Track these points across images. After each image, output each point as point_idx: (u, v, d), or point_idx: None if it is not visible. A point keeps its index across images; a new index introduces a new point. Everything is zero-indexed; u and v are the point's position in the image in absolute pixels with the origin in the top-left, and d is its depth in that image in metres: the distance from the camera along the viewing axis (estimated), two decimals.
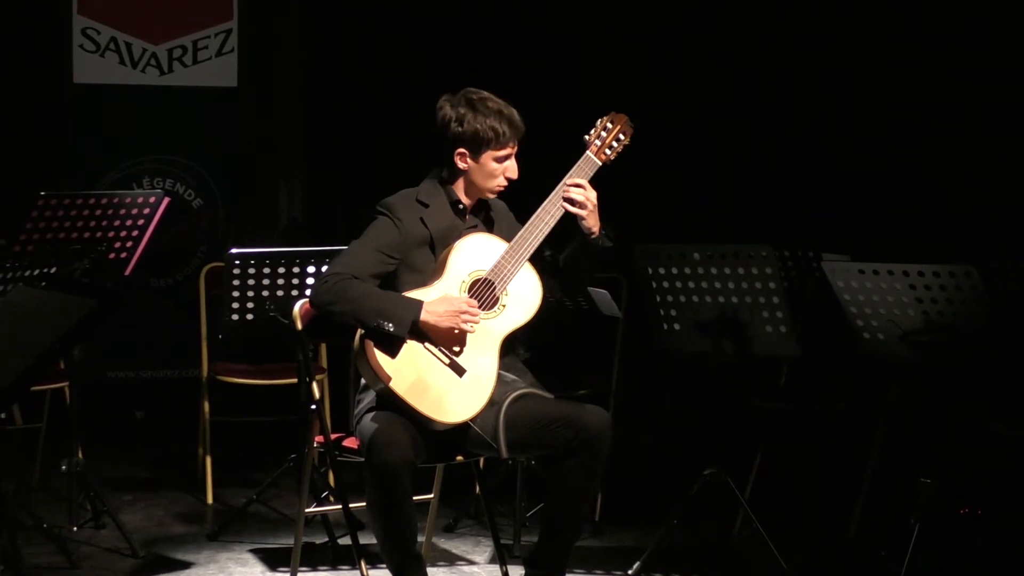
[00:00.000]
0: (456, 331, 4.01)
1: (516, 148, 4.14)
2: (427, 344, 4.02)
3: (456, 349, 4.03)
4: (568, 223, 4.12)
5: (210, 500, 5.62)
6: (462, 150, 4.11)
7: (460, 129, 4.08)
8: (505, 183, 4.16)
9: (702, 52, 6.68)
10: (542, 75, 6.72)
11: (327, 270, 4.09)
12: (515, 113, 4.12)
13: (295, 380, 5.15)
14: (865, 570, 4.90)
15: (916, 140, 6.05)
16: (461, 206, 4.18)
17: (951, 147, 5.95)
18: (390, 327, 3.94)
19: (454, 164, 4.14)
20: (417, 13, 7.02)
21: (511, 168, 4.15)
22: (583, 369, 5.51)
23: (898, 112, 6.12)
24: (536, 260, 4.13)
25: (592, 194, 4.10)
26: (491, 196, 4.20)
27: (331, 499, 5.09)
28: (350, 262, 4.06)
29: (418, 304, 3.98)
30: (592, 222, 4.11)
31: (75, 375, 5.19)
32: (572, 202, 4.08)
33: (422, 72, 6.81)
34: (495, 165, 4.12)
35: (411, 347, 4.00)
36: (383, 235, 4.10)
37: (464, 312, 3.99)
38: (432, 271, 4.11)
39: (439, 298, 4.01)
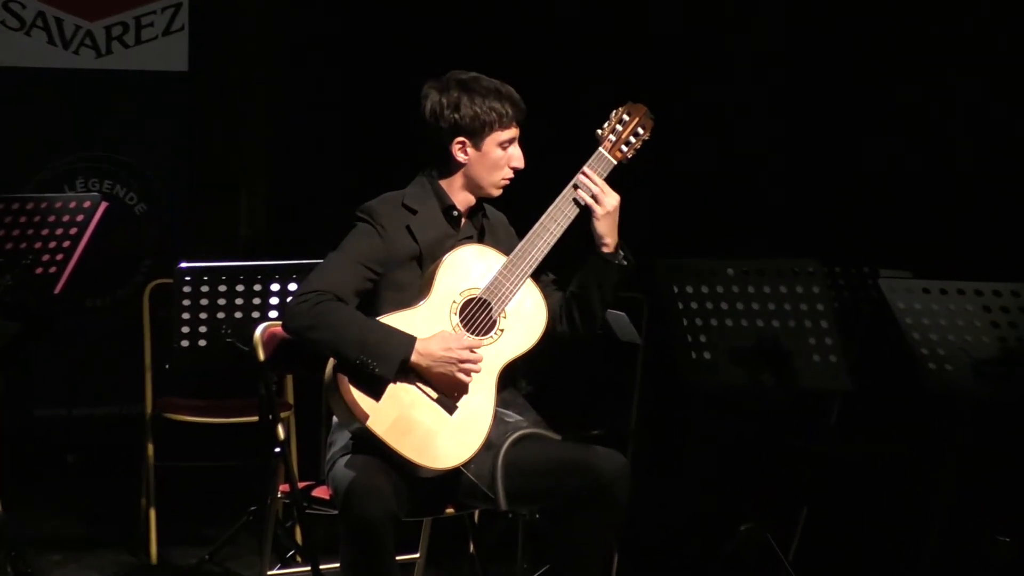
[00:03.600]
0: (451, 378, 4.02)
1: (519, 132, 4.17)
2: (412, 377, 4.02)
3: (455, 394, 4.03)
4: (575, 236, 4.13)
5: (154, 560, 5.61)
6: (461, 139, 4.14)
7: (456, 116, 4.11)
8: (511, 175, 4.18)
9: (733, 35, 6.70)
10: (544, 62, 6.73)
11: (303, 287, 4.08)
12: (513, 91, 4.16)
13: (256, 418, 5.16)
14: None
15: (990, 137, 6.06)
16: (455, 213, 4.19)
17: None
18: (374, 366, 3.95)
19: (451, 158, 4.16)
20: None
21: (516, 156, 4.17)
22: (596, 405, 5.52)
23: (965, 104, 6.13)
24: (538, 280, 4.13)
25: (612, 198, 4.10)
26: (496, 192, 4.21)
27: (298, 559, 5.09)
28: (330, 278, 4.06)
29: (409, 341, 3.98)
30: (606, 228, 4.12)
31: None
32: (591, 192, 4.09)
33: (409, 59, 6.82)
34: (499, 153, 4.15)
35: None
36: (365, 245, 4.11)
37: (464, 361, 3.99)
38: (417, 289, 4.11)
39: (436, 335, 4.01)
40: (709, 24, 6.74)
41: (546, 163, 4.24)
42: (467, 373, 4.00)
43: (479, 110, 4.11)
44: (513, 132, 4.16)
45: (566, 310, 4.20)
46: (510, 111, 4.13)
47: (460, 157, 4.15)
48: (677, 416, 6.25)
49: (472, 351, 4.00)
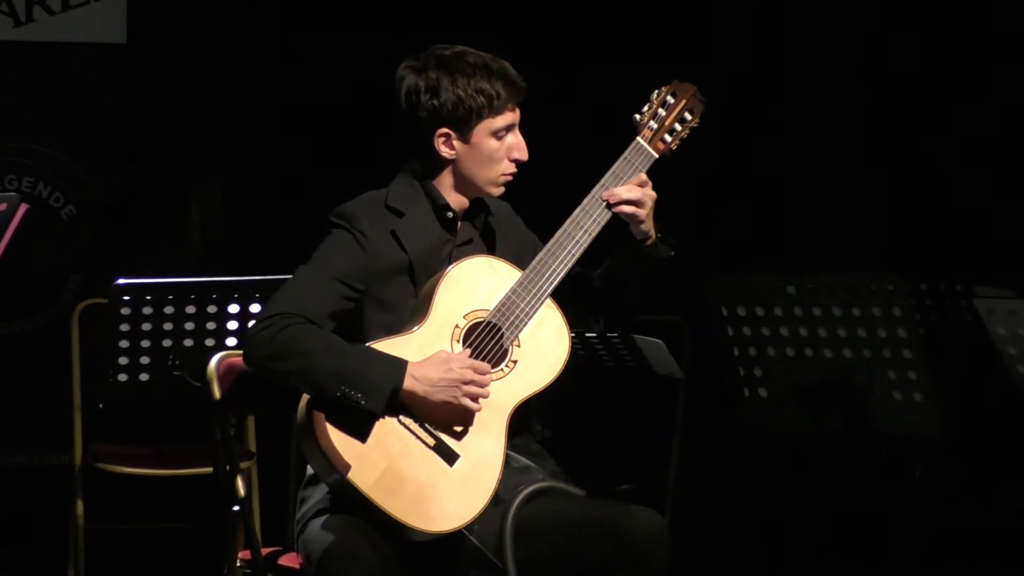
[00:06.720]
0: (454, 408, 4.01)
1: (519, 115, 4.15)
2: (404, 418, 4.01)
3: (457, 429, 4.02)
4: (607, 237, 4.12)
5: None
6: (444, 131, 4.13)
7: (436, 102, 4.10)
8: (513, 168, 4.17)
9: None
10: (565, 32, 6.73)
11: (266, 309, 4.09)
12: (507, 66, 4.14)
13: (210, 470, 5.15)
14: None
15: None
16: (450, 213, 4.19)
17: None
18: (360, 399, 3.94)
19: (436, 153, 4.16)
20: None
21: (516, 145, 4.15)
22: (628, 453, 5.51)
23: None
24: (562, 290, 4.12)
25: (651, 195, 4.10)
26: (496, 192, 4.20)
27: None
28: (299, 298, 4.05)
29: (400, 365, 3.97)
30: (649, 225, 4.13)
31: None
32: (630, 202, 4.08)
33: (395, 29, 6.83)
34: (494, 144, 4.13)
35: (381, 422, 3.99)
36: (342, 256, 4.10)
37: (468, 383, 3.98)
38: (412, 311, 4.11)
39: (432, 358, 4.00)
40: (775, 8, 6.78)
41: (572, 155, 4.22)
42: (474, 399, 3.99)
43: (463, 93, 4.09)
44: (510, 117, 4.14)
45: (592, 308, 4.24)
46: (503, 92, 4.11)
47: (445, 152, 4.14)
48: (726, 466, 6.25)
49: (477, 369, 3.99)
